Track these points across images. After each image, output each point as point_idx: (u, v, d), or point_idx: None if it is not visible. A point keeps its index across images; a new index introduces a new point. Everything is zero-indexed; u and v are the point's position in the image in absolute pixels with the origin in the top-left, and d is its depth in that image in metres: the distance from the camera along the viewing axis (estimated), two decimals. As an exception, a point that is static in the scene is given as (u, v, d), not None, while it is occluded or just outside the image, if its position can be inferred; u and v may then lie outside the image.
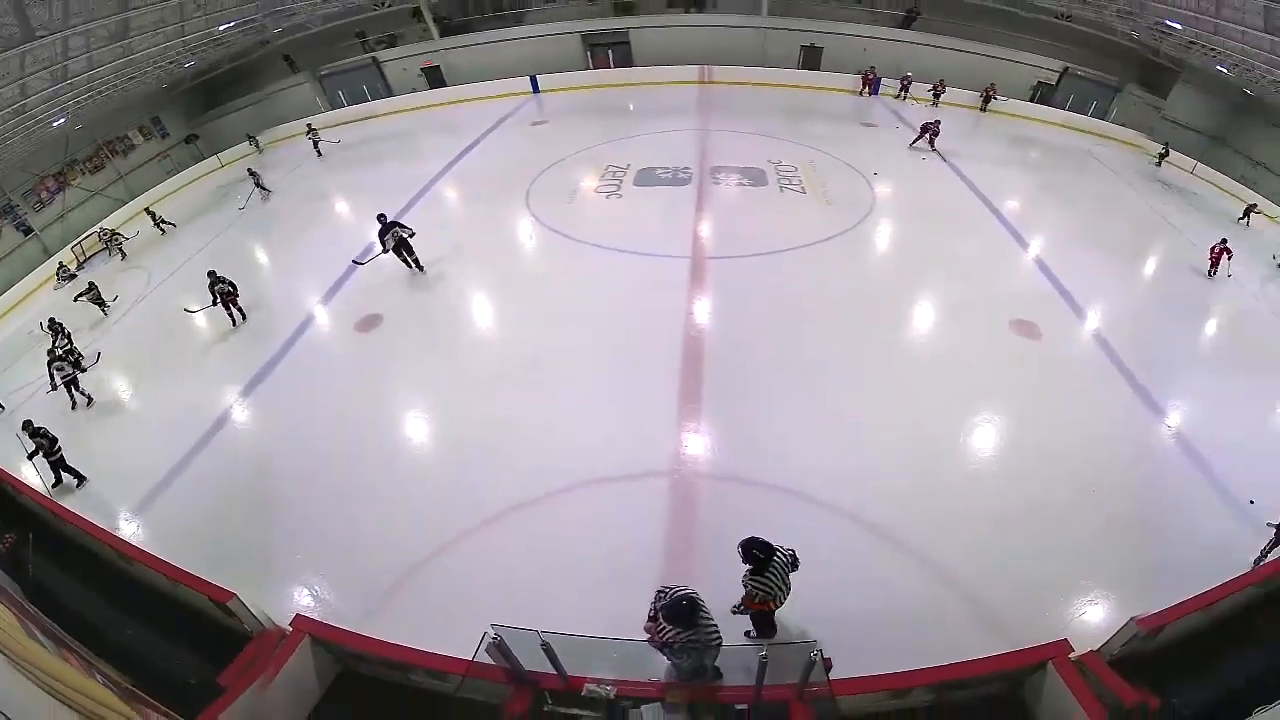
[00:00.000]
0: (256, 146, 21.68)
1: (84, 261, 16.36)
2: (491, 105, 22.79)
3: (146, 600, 5.58)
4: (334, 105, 23.81)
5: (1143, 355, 10.09)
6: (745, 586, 5.00)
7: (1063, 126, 22.01)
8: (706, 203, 14.62)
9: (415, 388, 9.54)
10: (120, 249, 15.90)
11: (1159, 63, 20.83)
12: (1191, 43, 16.65)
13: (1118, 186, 17.94)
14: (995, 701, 5.07)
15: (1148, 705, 4.51)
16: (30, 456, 8.32)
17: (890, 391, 9.09)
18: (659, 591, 4.48)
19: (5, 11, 9.95)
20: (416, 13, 23.27)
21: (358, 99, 23.79)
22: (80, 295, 13.18)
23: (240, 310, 11.46)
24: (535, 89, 23.93)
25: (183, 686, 4.53)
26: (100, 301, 13.15)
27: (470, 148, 19.21)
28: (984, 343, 10.29)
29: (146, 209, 17.00)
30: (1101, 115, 22.31)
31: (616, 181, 15.84)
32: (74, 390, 10.00)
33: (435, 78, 24.32)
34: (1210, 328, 11.82)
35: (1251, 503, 7.60)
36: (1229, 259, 13.10)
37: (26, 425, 8.41)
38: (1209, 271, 13.22)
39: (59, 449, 8.42)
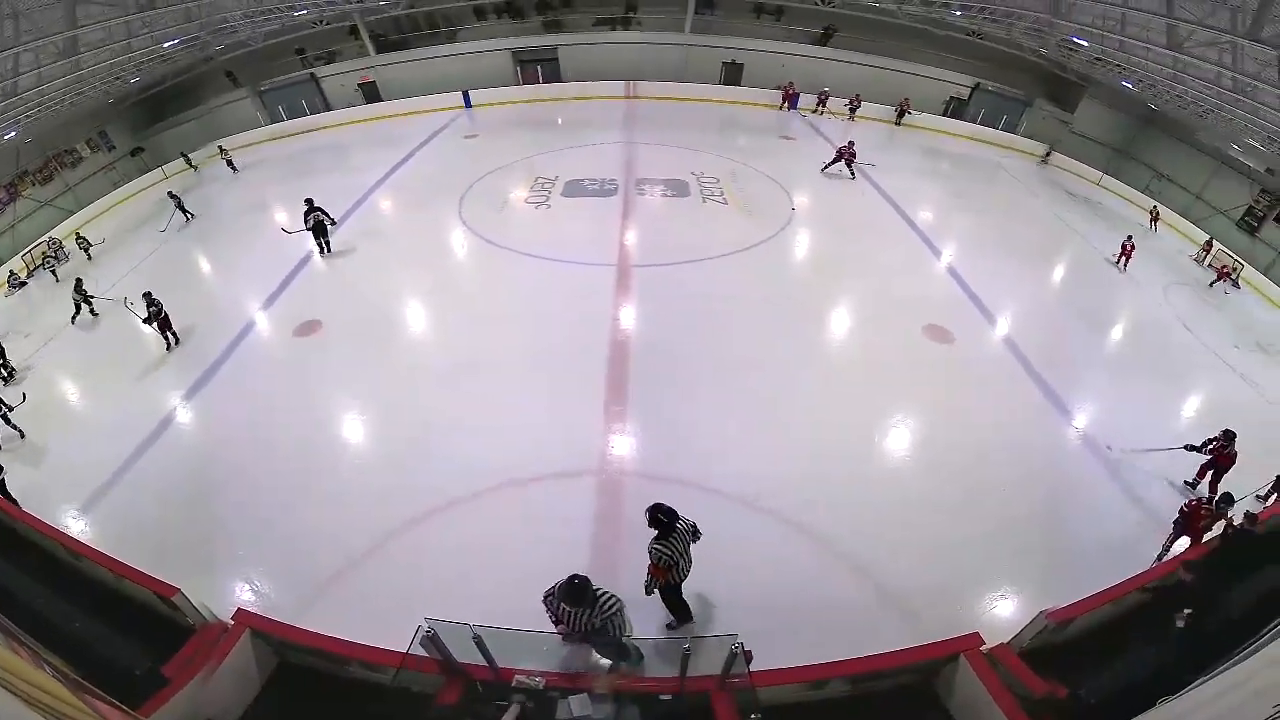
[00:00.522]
0: (190, 164, 21.49)
1: (34, 270, 16.23)
2: (426, 119, 23.15)
3: (94, 595, 5.61)
4: (274, 119, 23.91)
5: (1050, 357, 10.61)
6: (650, 553, 5.20)
7: (974, 139, 23.05)
8: (632, 212, 15.12)
9: (352, 390, 9.78)
10: (54, 271, 15.77)
11: (1066, 78, 21.58)
12: (1097, 59, 17.20)
13: (1025, 196, 18.91)
14: (910, 692, 5.21)
15: (1056, 695, 4.67)
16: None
17: (810, 393, 9.49)
18: (547, 594, 4.72)
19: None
20: (354, 30, 23.64)
21: (297, 113, 24.01)
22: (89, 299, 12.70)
23: (174, 334, 11.30)
24: (468, 104, 24.53)
25: (129, 678, 4.57)
26: (88, 300, 12.67)
27: (405, 159, 19.51)
28: (900, 348, 10.66)
29: (76, 233, 16.86)
30: (1011, 129, 23.25)
31: (546, 192, 16.35)
32: None
33: (372, 92, 24.72)
34: (1116, 332, 12.46)
35: (1109, 448, 8.50)
36: (1128, 260, 14.44)
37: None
38: (1120, 263, 14.44)
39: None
